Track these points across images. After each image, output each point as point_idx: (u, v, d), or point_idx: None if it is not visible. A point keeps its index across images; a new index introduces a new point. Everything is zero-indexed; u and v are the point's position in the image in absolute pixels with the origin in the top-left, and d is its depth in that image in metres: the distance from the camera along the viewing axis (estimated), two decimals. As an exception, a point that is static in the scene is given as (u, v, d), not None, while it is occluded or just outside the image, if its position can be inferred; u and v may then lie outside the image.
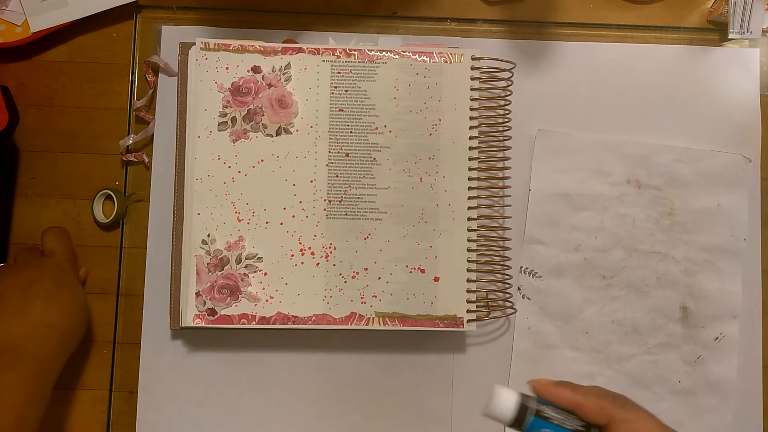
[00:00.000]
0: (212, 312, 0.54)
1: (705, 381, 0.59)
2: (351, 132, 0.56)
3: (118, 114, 0.60)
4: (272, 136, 0.55)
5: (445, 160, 0.56)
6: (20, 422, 0.45)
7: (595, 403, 0.39)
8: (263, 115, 0.55)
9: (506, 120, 0.58)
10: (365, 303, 0.55)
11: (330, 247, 0.55)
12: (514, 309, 0.58)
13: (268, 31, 0.61)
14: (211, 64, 0.55)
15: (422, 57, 0.56)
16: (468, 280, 0.55)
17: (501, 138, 0.57)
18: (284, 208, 0.55)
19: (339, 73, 0.56)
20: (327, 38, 0.60)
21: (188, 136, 0.55)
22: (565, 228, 0.60)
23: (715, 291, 0.59)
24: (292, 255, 0.55)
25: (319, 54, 0.56)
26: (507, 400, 0.40)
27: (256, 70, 0.55)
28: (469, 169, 0.56)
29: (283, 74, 0.55)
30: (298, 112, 0.55)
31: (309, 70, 0.56)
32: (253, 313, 0.54)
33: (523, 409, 0.40)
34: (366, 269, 0.55)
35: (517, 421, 0.40)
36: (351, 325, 0.54)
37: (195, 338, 0.58)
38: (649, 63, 0.62)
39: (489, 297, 0.57)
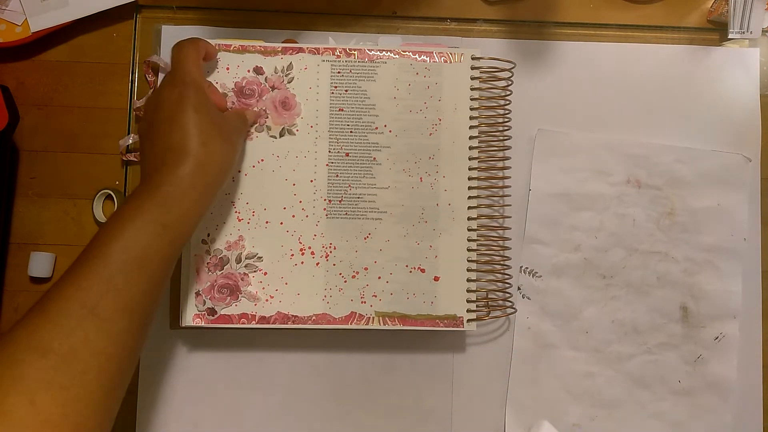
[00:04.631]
0: (212, 312, 0.54)
1: (705, 381, 0.59)
2: (351, 132, 0.56)
3: (118, 114, 0.60)
4: (276, 138, 0.55)
5: (445, 159, 0.56)
6: (189, 216, 0.45)
7: None
8: (267, 118, 0.55)
9: (506, 120, 0.58)
10: (365, 303, 0.55)
11: (330, 247, 0.55)
12: (514, 309, 0.58)
13: (268, 31, 0.61)
14: (212, 64, 0.55)
15: (422, 57, 0.56)
16: (468, 280, 0.55)
17: (501, 138, 0.57)
18: (284, 208, 0.55)
19: (339, 72, 0.56)
20: (327, 38, 0.60)
21: (188, 135, 0.55)
22: (565, 228, 0.60)
23: (715, 291, 0.59)
24: (292, 255, 0.55)
25: (319, 54, 0.56)
26: None
27: (258, 71, 0.55)
28: (469, 169, 0.56)
29: (286, 75, 0.55)
30: (301, 113, 0.55)
31: (309, 69, 0.56)
32: (253, 313, 0.54)
33: None
34: (366, 269, 0.55)
35: None
36: (351, 324, 0.54)
37: (195, 338, 0.58)
38: (649, 63, 0.62)
39: (489, 297, 0.57)
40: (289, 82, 0.55)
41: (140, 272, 0.42)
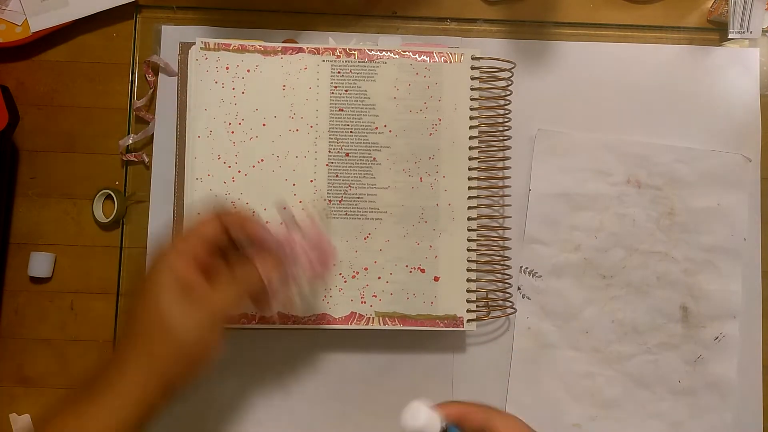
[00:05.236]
0: (212, 312, 0.53)
1: (705, 381, 0.59)
2: (351, 132, 0.56)
3: (118, 114, 0.60)
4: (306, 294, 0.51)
5: (445, 159, 0.56)
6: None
7: (477, 410, 0.43)
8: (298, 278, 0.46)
9: (506, 120, 0.58)
10: (365, 303, 0.55)
11: (330, 247, 0.55)
12: (514, 309, 0.58)
13: (268, 31, 0.61)
14: (211, 64, 0.55)
15: (422, 57, 0.56)
16: (468, 280, 0.55)
17: (501, 138, 0.57)
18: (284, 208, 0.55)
19: (339, 72, 0.56)
20: (327, 38, 0.60)
21: (188, 136, 0.55)
22: (565, 228, 0.60)
23: (715, 291, 0.59)
24: (292, 255, 0.54)
25: (319, 54, 0.56)
26: (431, 419, 0.42)
27: (289, 223, 0.46)
28: (469, 169, 0.56)
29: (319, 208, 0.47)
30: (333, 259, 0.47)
31: (309, 70, 0.56)
32: (253, 313, 0.54)
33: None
34: (366, 269, 0.55)
35: None
36: (351, 324, 0.54)
37: (195, 338, 0.58)
38: (649, 63, 0.62)
39: (489, 297, 0.57)
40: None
41: None
